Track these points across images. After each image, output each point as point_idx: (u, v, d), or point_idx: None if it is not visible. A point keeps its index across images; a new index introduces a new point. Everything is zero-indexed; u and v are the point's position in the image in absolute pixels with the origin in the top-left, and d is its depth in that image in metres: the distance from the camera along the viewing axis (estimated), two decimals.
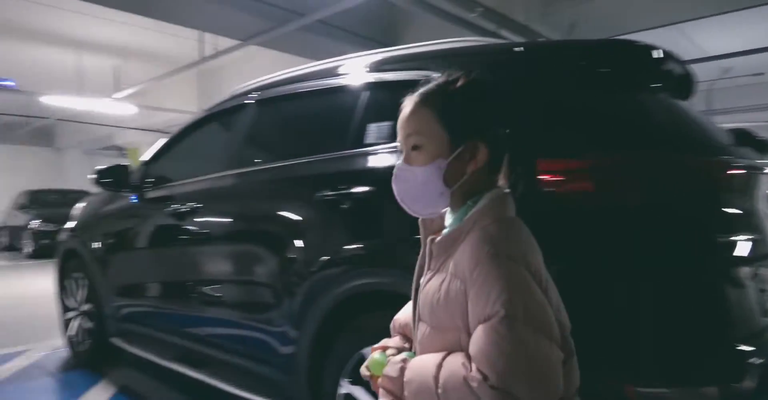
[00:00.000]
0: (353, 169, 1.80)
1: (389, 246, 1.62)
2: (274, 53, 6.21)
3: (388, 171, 0.99)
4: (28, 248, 10.31)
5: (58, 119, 11.35)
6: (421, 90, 0.95)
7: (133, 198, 2.89)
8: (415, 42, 2.02)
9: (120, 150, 13.40)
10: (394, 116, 0.98)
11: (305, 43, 5.77)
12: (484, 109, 0.94)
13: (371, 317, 1.62)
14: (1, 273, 8.56)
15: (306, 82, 2.22)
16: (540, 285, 0.83)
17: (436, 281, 0.90)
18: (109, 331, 3.03)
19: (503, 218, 0.89)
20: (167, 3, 5.06)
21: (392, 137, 1.65)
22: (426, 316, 0.92)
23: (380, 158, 1.73)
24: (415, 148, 0.93)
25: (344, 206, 1.75)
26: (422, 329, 0.93)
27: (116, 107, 8.66)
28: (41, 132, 13.91)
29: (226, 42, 6.18)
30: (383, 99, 1.85)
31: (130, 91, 8.26)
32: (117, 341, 2.99)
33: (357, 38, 5.64)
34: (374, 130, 1.81)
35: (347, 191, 1.75)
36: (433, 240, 0.94)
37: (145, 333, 2.81)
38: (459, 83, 0.93)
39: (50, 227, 10.03)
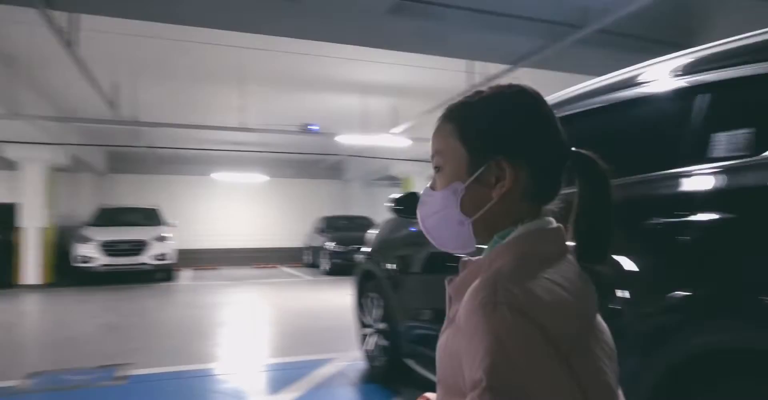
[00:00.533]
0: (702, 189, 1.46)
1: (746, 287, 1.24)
2: (537, 73, 6.02)
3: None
4: (325, 265, 12.11)
5: (348, 155, 13.22)
6: (449, 104, 0.77)
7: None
8: (722, 37, 1.58)
9: (393, 180, 14.86)
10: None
11: (579, 57, 5.43)
12: (515, 120, 0.72)
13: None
14: (307, 286, 10.20)
15: (603, 95, 1.95)
16: (560, 352, 0.56)
17: (447, 333, 0.72)
18: (402, 350, 3.18)
19: (527, 255, 0.66)
20: (437, 38, 5.36)
21: (749, 147, 1.32)
22: (439, 374, 0.73)
23: (733, 175, 1.36)
24: (437, 169, 0.76)
25: (686, 237, 1.42)
26: (438, 389, 0.74)
27: (393, 141, 9.59)
28: (333, 167, 16.43)
29: (495, 68, 6.24)
30: (730, 101, 1.48)
31: (405, 125, 9.07)
32: (410, 362, 3.11)
33: (640, 44, 5.04)
34: (725, 139, 1.44)
35: (690, 216, 1.42)
36: (450, 281, 0.75)
37: (432, 357, 2.84)
38: (487, 92, 0.74)
39: (341, 248, 11.63)
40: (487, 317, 0.58)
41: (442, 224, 0.75)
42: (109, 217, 11.35)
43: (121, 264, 10.16)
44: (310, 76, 7.74)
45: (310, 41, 5.45)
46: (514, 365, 0.55)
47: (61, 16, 4.66)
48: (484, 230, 0.73)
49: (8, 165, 10.79)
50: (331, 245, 11.89)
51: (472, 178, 0.71)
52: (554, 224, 0.72)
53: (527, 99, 0.74)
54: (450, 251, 0.78)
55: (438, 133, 0.77)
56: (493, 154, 0.70)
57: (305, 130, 9.06)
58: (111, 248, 10.15)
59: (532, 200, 0.71)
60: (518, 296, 0.58)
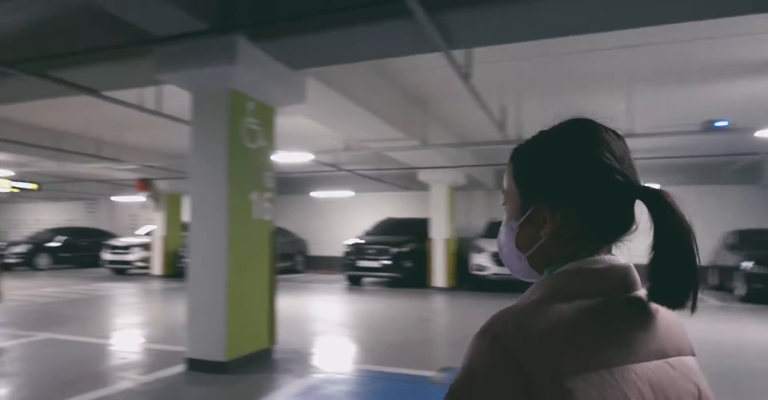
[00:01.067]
0: None
1: None
2: None
3: None
4: (740, 290, 9.94)
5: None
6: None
7: None
8: None
9: None
10: None
11: None
12: (557, 166, 0.71)
13: None
14: (713, 313, 8.56)
15: None
16: (529, 389, 0.56)
17: None
18: None
19: (557, 292, 0.66)
20: None
21: None
22: None
23: None
24: (504, 205, 0.79)
25: None
26: None
27: None
28: (747, 169, 13.49)
29: None
30: None
31: None
32: None
33: None
34: None
35: None
36: None
37: None
38: (543, 132, 0.75)
39: (764, 270, 9.33)
40: (474, 342, 0.63)
41: (508, 255, 0.78)
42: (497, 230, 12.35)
43: (508, 273, 10.84)
44: (710, 64, 6.53)
45: (704, 22, 4.55)
46: (474, 388, 0.60)
47: (458, 54, 5.31)
48: (538, 265, 0.75)
49: (422, 187, 13.19)
50: (748, 265, 9.70)
51: (522, 219, 0.74)
52: (604, 263, 0.69)
53: (575, 139, 0.72)
54: (522, 279, 0.79)
55: (506, 171, 0.79)
56: (536, 200, 0.73)
57: (709, 127, 7.67)
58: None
59: (591, 238, 0.71)
60: (507, 328, 0.61)
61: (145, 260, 15.19)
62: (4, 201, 24.23)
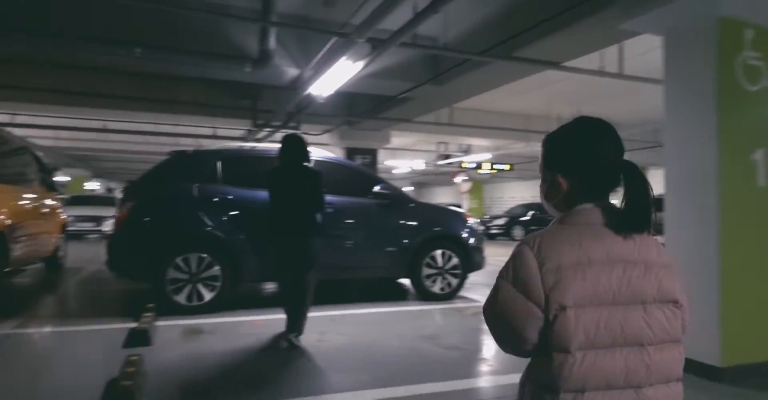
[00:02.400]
0: None
1: None
2: None
3: None
4: None
5: None
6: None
7: None
8: None
9: None
10: None
11: None
12: (565, 149, 1.20)
13: None
14: None
15: None
16: (540, 272, 1.07)
17: None
18: None
19: (563, 222, 1.16)
20: None
21: None
22: None
23: None
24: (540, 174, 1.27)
25: None
26: None
27: None
28: None
29: None
30: None
31: None
32: None
33: None
34: None
35: None
36: None
37: None
38: (559, 127, 1.24)
39: None
40: (516, 247, 1.15)
41: (544, 203, 1.27)
42: None
43: None
44: None
45: None
46: (509, 264, 1.13)
47: None
48: (559, 209, 1.21)
49: None
50: None
51: (547, 183, 1.23)
52: (590, 207, 1.15)
53: (576, 132, 1.20)
54: (552, 215, 1.25)
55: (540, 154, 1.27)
56: (554, 172, 1.20)
57: None
58: None
59: (587, 195, 1.16)
60: (533, 238, 1.13)
61: None
62: (486, 181, 28.76)
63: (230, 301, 5.38)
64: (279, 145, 4.24)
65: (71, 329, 4.65)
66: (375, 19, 4.35)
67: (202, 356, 3.85)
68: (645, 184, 1.11)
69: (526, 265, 1.08)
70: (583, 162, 1.15)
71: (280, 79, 7.10)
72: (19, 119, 11.27)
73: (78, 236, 14.59)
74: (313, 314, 4.99)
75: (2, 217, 5.28)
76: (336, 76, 5.90)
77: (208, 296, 5.19)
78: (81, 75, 8.49)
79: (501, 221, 19.80)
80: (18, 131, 12.68)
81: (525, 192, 28.92)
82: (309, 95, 6.94)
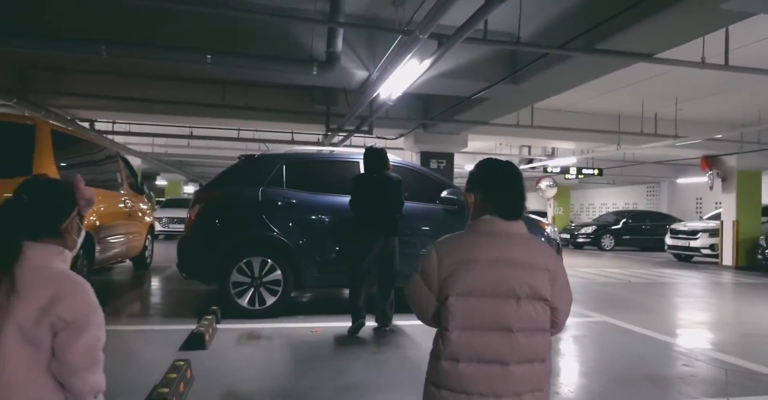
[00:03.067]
0: None
1: None
2: None
3: None
4: None
5: None
6: None
7: None
8: None
9: None
10: None
11: None
12: (474, 177, 1.59)
13: None
14: None
15: None
16: (441, 266, 1.42)
17: None
18: None
19: (468, 229, 1.52)
20: None
21: None
22: None
23: None
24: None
25: None
26: None
27: None
28: None
29: None
30: None
31: None
32: None
33: None
34: None
35: None
36: None
37: None
38: (474, 167, 1.63)
39: None
40: (429, 246, 1.50)
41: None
42: None
43: None
44: None
45: None
46: (421, 260, 1.48)
47: None
48: (471, 219, 1.55)
49: None
50: None
51: (466, 197, 1.61)
52: (487, 219, 1.49)
53: (484, 167, 1.60)
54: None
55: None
56: (468, 190, 1.58)
57: None
58: None
59: (490, 209, 1.50)
60: (441, 241, 1.49)
61: (713, 247, 13.43)
62: (574, 187, 27.26)
63: (291, 307, 5.31)
64: (362, 156, 4.85)
65: (137, 328, 4.78)
66: (436, 13, 4.07)
67: (254, 363, 3.76)
68: (512, 179, 1.55)
69: (430, 262, 1.43)
70: (483, 187, 1.55)
71: (349, 82, 6.99)
72: (117, 127, 12.13)
73: (171, 236, 15.49)
74: (372, 323, 4.77)
75: (92, 219, 5.58)
76: (403, 76, 5.68)
77: (270, 300, 5.16)
78: (168, 84, 8.94)
79: (589, 230, 18.57)
80: (118, 139, 13.76)
81: (617, 199, 27.07)
82: (378, 98, 6.78)
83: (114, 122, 11.93)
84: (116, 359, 3.87)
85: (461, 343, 1.33)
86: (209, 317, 4.61)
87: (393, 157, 5.77)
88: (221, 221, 5.32)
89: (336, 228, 5.40)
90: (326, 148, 6.20)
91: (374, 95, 6.59)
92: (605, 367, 4.06)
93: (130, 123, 12.11)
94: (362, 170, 4.95)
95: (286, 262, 5.21)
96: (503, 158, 1.66)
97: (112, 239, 6.41)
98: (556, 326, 1.44)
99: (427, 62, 5.26)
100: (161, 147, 16.43)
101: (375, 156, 4.74)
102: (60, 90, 8.53)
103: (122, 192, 7.38)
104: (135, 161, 19.65)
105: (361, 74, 6.61)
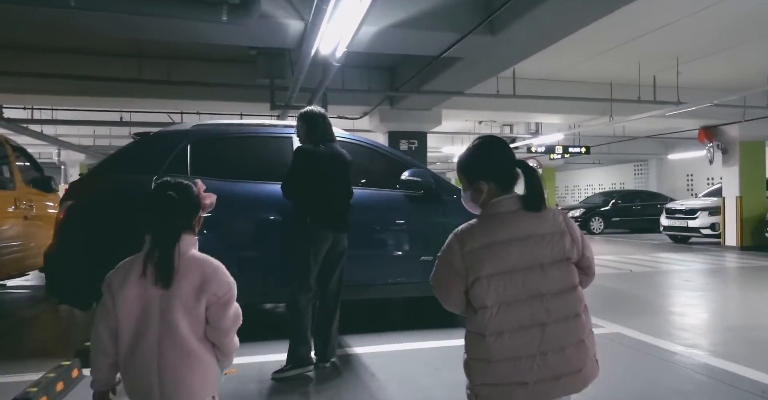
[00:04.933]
0: None
1: None
2: None
3: None
4: None
5: None
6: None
7: None
8: None
9: None
10: None
11: None
12: (479, 161, 1.59)
13: None
14: None
15: None
16: (462, 252, 1.47)
17: None
18: None
19: (484, 214, 1.54)
20: None
21: None
22: None
23: None
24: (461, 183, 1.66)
25: None
26: None
27: None
28: None
29: None
30: None
31: None
32: None
33: None
34: None
35: None
36: None
37: None
38: (469, 146, 1.64)
39: None
40: (450, 234, 1.54)
41: (468, 205, 1.62)
42: None
43: None
44: None
45: None
46: (444, 248, 1.53)
47: None
48: (482, 206, 1.57)
49: None
50: None
51: (470, 190, 1.58)
52: (502, 198, 1.53)
53: (486, 146, 1.60)
54: (475, 213, 1.59)
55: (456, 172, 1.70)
56: (476, 180, 1.56)
57: None
58: None
59: (501, 191, 1.54)
60: (461, 230, 1.53)
61: (714, 226, 12.32)
62: (558, 169, 26.14)
63: None
64: (297, 122, 3.50)
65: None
66: None
67: None
68: (538, 177, 1.56)
69: (452, 249, 1.52)
70: (502, 167, 1.57)
71: (281, 37, 5.49)
72: (38, 114, 10.50)
73: None
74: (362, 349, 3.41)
75: None
76: (343, 18, 4.26)
77: None
78: (72, 57, 7.39)
79: (576, 213, 17.40)
80: (47, 130, 12.10)
81: (604, 179, 26.03)
82: (320, 55, 5.34)
83: (32, 109, 10.29)
84: None
85: (502, 316, 1.45)
86: (65, 364, 3.18)
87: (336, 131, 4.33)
88: (96, 223, 3.86)
89: (266, 226, 4.03)
90: (250, 121, 4.73)
91: (313, 51, 5.15)
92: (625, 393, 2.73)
93: (53, 109, 10.49)
94: (297, 142, 3.58)
95: None
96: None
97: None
98: (589, 271, 1.60)
99: None
100: (104, 138, 14.79)
101: (319, 120, 3.43)
102: None
103: (13, 190, 5.88)
104: (78, 157, 18.03)
105: (295, 25, 5.15)
